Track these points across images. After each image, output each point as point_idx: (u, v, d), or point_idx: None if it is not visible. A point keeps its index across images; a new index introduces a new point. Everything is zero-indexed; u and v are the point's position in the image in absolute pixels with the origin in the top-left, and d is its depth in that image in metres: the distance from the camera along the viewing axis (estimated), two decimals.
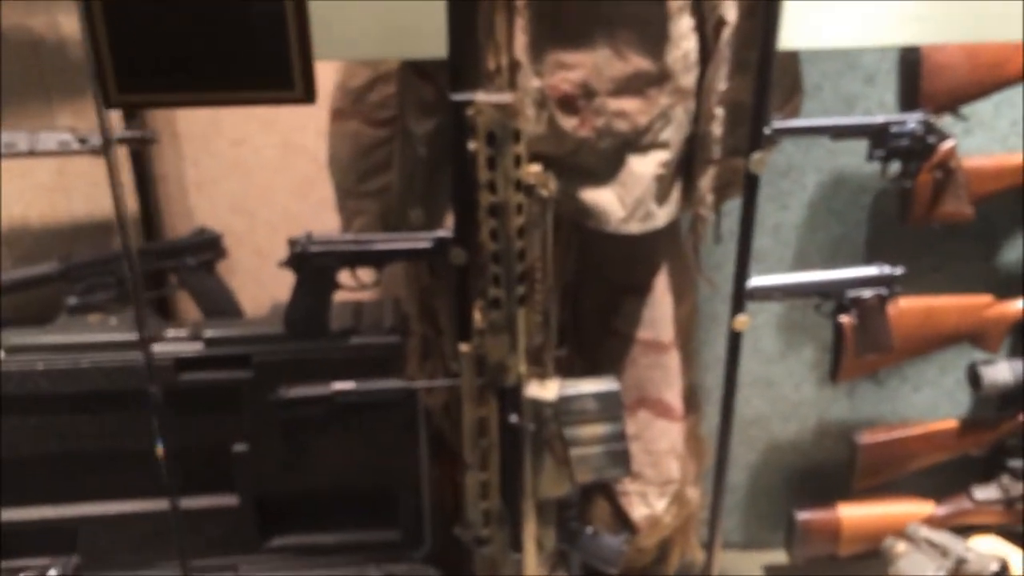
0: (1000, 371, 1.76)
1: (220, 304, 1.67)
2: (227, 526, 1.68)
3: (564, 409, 1.33)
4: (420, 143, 1.31)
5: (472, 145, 1.18)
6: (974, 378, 1.80)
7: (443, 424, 1.63)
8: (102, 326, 1.58)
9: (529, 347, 1.30)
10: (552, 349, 1.33)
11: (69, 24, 1.59)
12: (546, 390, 1.32)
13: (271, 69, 0.92)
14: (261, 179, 1.74)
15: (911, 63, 1.46)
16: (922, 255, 1.76)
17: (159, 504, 1.65)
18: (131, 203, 1.68)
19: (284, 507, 1.71)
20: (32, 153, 1.48)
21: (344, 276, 1.34)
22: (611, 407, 1.35)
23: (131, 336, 1.54)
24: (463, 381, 1.31)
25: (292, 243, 1.29)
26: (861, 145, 1.37)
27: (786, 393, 1.94)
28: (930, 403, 1.97)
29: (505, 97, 1.15)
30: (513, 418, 1.31)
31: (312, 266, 1.29)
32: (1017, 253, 1.83)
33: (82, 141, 1.48)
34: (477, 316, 1.29)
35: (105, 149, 0.94)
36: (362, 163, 1.40)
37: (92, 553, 1.66)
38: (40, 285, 1.60)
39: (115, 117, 1.61)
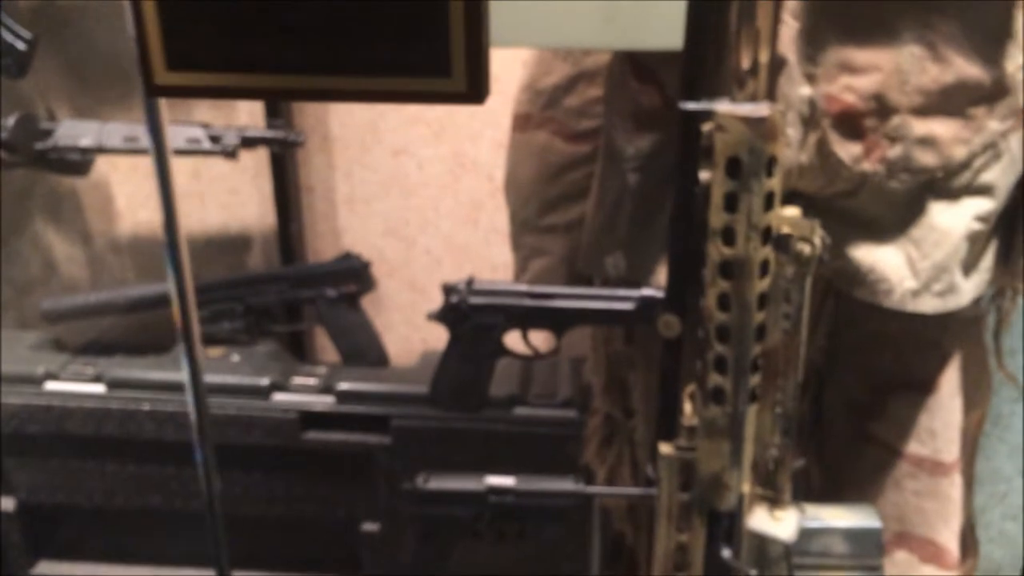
0: None
1: (362, 347, 1.43)
2: None
3: (800, 548, 0.99)
4: (630, 166, 1.01)
5: (705, 175, 0.86)
6: None
7: (625, 528, 1.31)
8: (223, 363, 1.37)
9: (759, 460, 0.98)
10: (791, 466, 0.99)
11: None
12: (779, 523, 0.99)
13: (417, 44, 0.60)
14: (423, 199, 1.51)
15: None
16: None
17: None
18: (267, 217, 1.45)
19: None
20: None
21: (512, 338, 1.05)
22: (867, 550, 1.01)
23: (256, 379, 1.33)
24: (660, 493, 1.00)
25: (448, 291, 1.02)
26: None
27: None
28: None
29: (761, 109, 0.83)
30: (726, 553, 1.00)
31: (472, 323, 1.02)
32: None
33: (214, 139, 1.25)
34: (688, 409, 0.98)
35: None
36: (549, 188, 1.13)
37: None
38: (158, 307, 1.39)
39: (257, 113, 1.39)
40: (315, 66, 0.59)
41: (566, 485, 1.09)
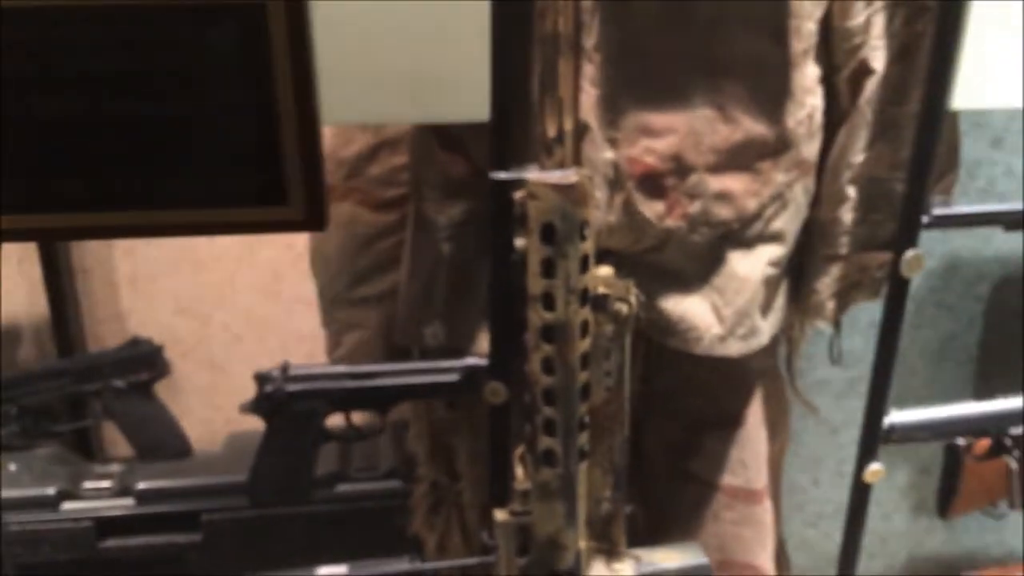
0: None
1: (160, 438, 1.31)
2: None
3: None
4: (443, 236, 1.00)
5: (520, 242, 0.87)
6: None
7: None
8: None
9: (593, 516, 0.99)
10: (623, 518, 1.01)
11: None
12: (618, 574, 1.00)
13: (249, 173, 0.56)
14: (217, 272, 1.40)
15: None
16: None
17: None
18: (38, 305, 1.32)
19: None
20: None
21: (333, 420, 1.00)
22: None
23: (41, 489, 1.19)
24: (500, 560, 0.99)
25: (261, 380, 0.96)
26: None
27: (873, 525, 1.61)
28: None
29: (570, 175, 0.85)
30: None
31: (290, 411, 0.96)
32: None
33: None
34: (519, 473, 0.97)
35: None
36: (358, 259, 1.09)
37: None
38: None
39: None
40: (136, 201, 0.53)
41: (402, 565, 1.05)
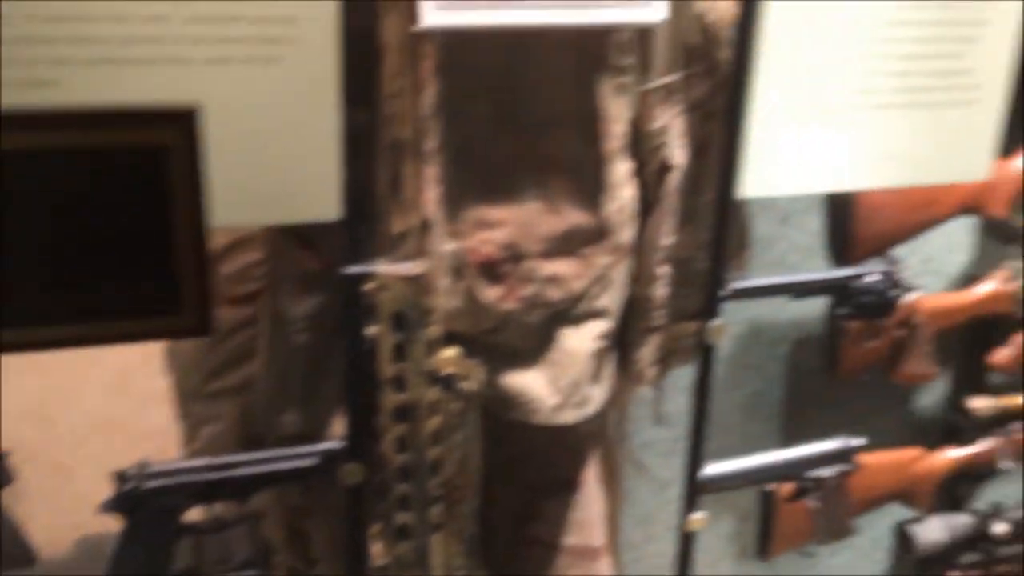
0: (932, 529, 1.62)
1: (5, 548, 1.24)
2: None
3: None
4: (297, 328, 1.04)
5: (372, 330, 0.93)
6: (904, 539, 1.64)
7: None
8: None
9: None
10: None
11: None
12: None
13: (146, 287, 0.60)
14: (63, 373, 1.35)
15: (840, 205, 1.33)
16: (843, 406, 1.62)
17: None
18: None
19: None
20: None
21: (192, 513, 1.00)
22: None
23: None
24: None
25: (121, 478, 0.95)
26: None
27: (702, 571, 1.71)
28: (848, 566, 1.81)
29: (415, 267, 0.92)
30: None
31: (150, 508, 0.95)
32: (936, 399, 1.74)
33: None
34: (377, 549, 1.00)
35: None
36: (213, 355, 1.10)
37: None
38: None
39: None
40: (34, 318, 0.55)
41: None
